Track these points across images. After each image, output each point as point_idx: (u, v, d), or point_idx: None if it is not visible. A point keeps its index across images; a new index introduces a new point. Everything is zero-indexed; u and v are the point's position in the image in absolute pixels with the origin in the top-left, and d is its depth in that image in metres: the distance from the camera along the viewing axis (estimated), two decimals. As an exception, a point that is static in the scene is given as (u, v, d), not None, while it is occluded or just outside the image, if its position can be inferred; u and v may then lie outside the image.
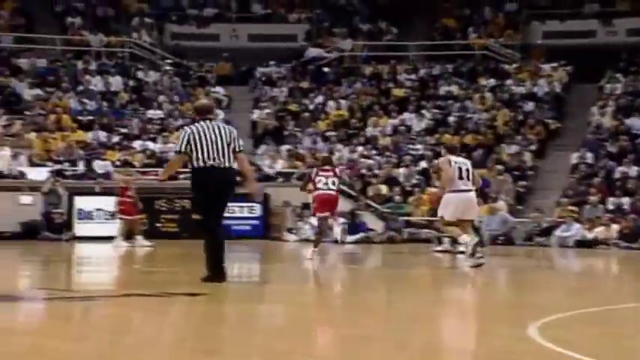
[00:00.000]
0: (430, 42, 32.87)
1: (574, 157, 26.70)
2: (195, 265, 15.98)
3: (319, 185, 15.49)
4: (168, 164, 12.68)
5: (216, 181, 10.19)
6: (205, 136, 10.18)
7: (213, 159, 10.14)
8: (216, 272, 10.29)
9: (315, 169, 16.13)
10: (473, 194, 14.16)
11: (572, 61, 30.52)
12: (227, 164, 10.21)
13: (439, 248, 19.41)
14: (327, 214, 15.67)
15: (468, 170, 14.06)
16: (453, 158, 14.30)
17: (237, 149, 10.32)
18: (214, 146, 10.16)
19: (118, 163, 25.63)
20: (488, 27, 32.95)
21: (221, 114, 29.33)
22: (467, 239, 13.85)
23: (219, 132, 10.27)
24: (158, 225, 24.18)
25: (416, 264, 16.92)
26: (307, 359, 6.16)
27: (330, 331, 7.51)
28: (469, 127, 28.41)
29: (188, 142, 10.19)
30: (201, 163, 10.14)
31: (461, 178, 13.95)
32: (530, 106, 29.29)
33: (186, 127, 10.66)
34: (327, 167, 15.86)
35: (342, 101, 30.05)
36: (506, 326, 7.72)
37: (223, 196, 10.36)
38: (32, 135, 26.44)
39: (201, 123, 10.34)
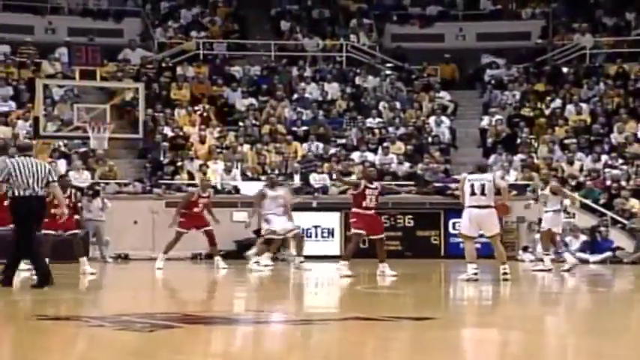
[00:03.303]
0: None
1: None
2: (421, 286, 16.06)
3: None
4: None
5: (31, 207, 13.08)
6: (23, 169, 12.95)
7: (32, 188, 12.94)
8: (45, 278, 12.96)
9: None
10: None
11: None
12: (40, 193, 13.10)
13: (538, 267, 19.02)
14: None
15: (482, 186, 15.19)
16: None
17: (51, 180, 13.15)
18: (31, 178, 12.94)
19: (335, 176, 26.07)
20: None
21: (446, 122, 29.39)
22: None
23: (35, 167, 13.09)
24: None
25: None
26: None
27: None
28: None
29: (8, 173, 12.96)
30: (21, 192, 12.93)
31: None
32: None
33: (7, 160, 13.74)
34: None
35: (583, 105, 29.46)
36: None
37: (37, 217, 13.37)
38: (246, 147, 27.25)
39: (21, 158, 13.19)
